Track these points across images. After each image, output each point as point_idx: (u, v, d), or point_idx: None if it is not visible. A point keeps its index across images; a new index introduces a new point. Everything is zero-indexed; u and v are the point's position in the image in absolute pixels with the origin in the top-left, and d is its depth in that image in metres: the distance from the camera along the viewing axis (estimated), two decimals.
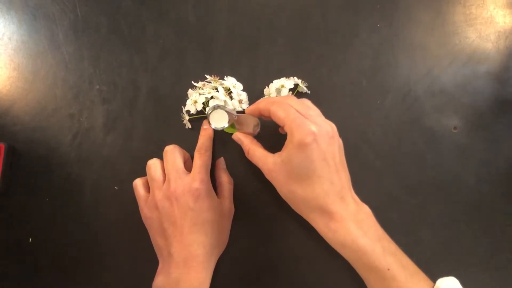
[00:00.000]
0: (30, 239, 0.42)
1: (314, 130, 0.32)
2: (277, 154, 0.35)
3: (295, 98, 0.36)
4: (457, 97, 0.43)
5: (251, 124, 0.39)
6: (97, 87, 0.44)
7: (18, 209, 0.43)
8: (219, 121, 0.38)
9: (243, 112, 0.41)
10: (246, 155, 0.38)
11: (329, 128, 0.34)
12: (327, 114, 0.43)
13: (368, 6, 0.44)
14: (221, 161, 0.43)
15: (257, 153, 0.37)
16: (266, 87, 0.43)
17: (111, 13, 0.45)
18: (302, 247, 0.41)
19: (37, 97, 0.44)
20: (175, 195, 0.37)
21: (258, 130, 0.40)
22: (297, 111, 0.34)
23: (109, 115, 0.44)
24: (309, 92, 0.43)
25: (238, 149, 0.42)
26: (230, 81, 0.42)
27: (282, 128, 0.39)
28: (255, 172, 0.42)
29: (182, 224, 0.37)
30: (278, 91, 0.42)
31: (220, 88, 0.41)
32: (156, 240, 0.39)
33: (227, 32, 0.44)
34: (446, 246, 0.41)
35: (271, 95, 0.42)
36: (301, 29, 0.44)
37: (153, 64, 0.44)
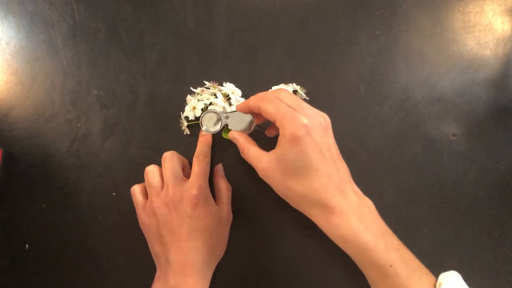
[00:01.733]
0: (27, 245, 0.42)
1: (305, 123, 0.31)
2: (271, 152, 0.34)
3: (286, 91, 0.35)
4: (456, 104, 0.43)
5: (245, 122, 0.38)
6: (95, 92, 0.44)
7: (15, 215, 0.43)
8: (211, 124, 0.38)
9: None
10: (241, 153, 0.38)
11: (322, 119, 0.33)
12: None
13: (367, 13, 0.44)
14: (220, 168, 0.42)
15: (251, 151, 0.36)
16: None
17: (110, 18, 0.45)
18: (300, 254, 0.41)
19: (35, 102, 0.44)
20: (173, 202, 0.37)
21: (253, 126, 0.39)
22: (288, 105, 0.33)
23: (107, 121, 0.43)
24: (308, 98, 0.43)
25: (236, 155, 0.42)
26: (229, 87, 0.42)
27: (269, 130, 0.39)
28: (254, 178, 0.42)
29: (180, 231, 0.37)
30: None
31: (219, 94, 0.41)
32: (154, 247, 0.39)
33: (226, 38, 0.44)
34: (444, 253, 0.41)
35: None
36: (300, 36, 0.44)
37: (152, 70, 0.44)
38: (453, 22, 0.44)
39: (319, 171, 0.32)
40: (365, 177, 0.42)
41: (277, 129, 0.35)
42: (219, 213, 0.40)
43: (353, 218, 0.32)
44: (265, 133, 0.40)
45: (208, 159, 0.41)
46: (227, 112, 0.38)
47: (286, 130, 0.32)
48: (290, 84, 0.42)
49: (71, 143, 0.43)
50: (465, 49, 0.43)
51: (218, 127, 0.38)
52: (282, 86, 0.42)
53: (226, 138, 0.42)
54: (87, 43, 0.44)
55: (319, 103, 0.43)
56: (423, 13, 0.44)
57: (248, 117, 0.38)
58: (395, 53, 0.43)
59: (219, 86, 0.42)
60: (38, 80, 0.44)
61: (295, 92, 0.42)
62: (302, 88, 0.42)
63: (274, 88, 0.42)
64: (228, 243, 0.41)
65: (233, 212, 0.41)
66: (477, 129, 0.42)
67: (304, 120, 0.31)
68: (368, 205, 0.34)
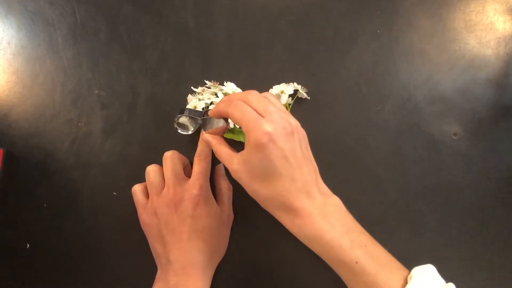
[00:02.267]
0: (28, 245, 0.42)
1: (268, 130, 0.31)
2: (239, 154, 0.34)
3: (256, 93, 0.35)
4: (457, 103, 0.43)
5: (218, 124, 0.39)
6: (96, 92, 0.44)
7: (15, 215, 0.42)
8: (186, 126, 0.39)
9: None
10: (215, 155, 0.37)
11: (287, 123, 0.33)
12: (327, 120, 0.43)
13: (368, 12, 0.44)
14: (221, 167, 0.42)
15: (223, 153, 0.36)
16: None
17: (111, 18, 0.45)
18: (301, 253, 0.41)
19: (35, 102, 0.44)
20: (174, 201, 0.37)
21: (226, 126, 0.39)
22: (254, 109, 0.33)
23: (107, 121, 0.43)
24: (309, 98, 0.43)
25: None
26: (230, 87, 0.42)
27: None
28: None
29: (181, 231, 0.37)
30: (278, 96, 0.42)
31: (219, 94, 0.41)
32: (155, 247, 0.38)
33: (226, 37, 0.44)
34: (445, 253, 0.41)
35: None
36: (301, 35, 0.44)
37: (153, 70, 0.44)
38: (455, 21, 0.44)
39: (282, 175, 0.32)
40: (366, 176, 0.42)
41: None
42: (220, 212, 0.39)
43: (317, 218, 0.32)
44: None
45: (209, 159, 0.40)
46: (201, 117, 0.39)
47: (250, 136, 0.32)
48: (291, 83, 0.42)
49: (71, 142, 0.43)
50: (466, 48, 0.43)
51: (192, 130, 0.39)
52: (283, 85, 0.42)
53: (227, 137, 0.42)
54: (88, 43, 0.44)
55: (320, 103, 0.43)
56: (424, 12, 0.44)
57: (221, 121, 0.39)
58: (396, 52, 0.43)
59: (220, 86, 0.42)
60: (39, 79, 0.44)
61: (296, 91, 0.42)
62: (303, 87, 0.42)
63: (275, 87, 0.42)
64: (229, 242, 0.41)
65: (234, 211, 0.41)
66: (479, 128, 0.42)
67: (267, 128, 0.31)
68: (334, 203, 0.34)
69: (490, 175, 0.42)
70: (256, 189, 0.33)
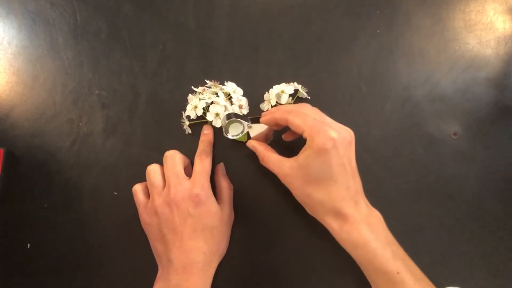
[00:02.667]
0: (29, 245, 0.42)
1: (334, 137, 0.33)
2: (293, 159, 0.36)
3: (309, 105, 0.37)
4: (457, 103, 0.43)
5: (265, 132, 0.40)
6: (97, 92, 0.44)
7: (16, 214, 0.43)
8: (234, 130, 0.40)
9: (257, 119, 0.41)
10: (261, 161, 0.39)
11: (347, 134, 0.35)
12: None
13: (368, 12, 0.44)
14: (221, 167, 0.42)
15: (272, 159, 0.38)
16: (266, 92, 0.43)
17: (111, 18, 0.45)
18: (302, 252, 0.41)
19: (36, 102, 0.44)
20: (175, 201, 0.37)
21: (271, 137, 0.41)
22: (314, 118, 0.35)
23: (108, 121, 0.43)
24: (309, 97, 0.43)
25: (238, 154, 0.42)
26: (230, 86, 0.42)
27: (286, 135, 0.40)
28: (255, 178, 0.42)
29: (181, 230, 0.37)
30: (278, 96, 0.42)
31: (220, 93, 0.41)
32: (156, 246, 0.39)
33: (227, 37, 0.44)
34: (446, 252, 0.41)
35: (271, 101, 0.42)
36: (301, 35, 0.44)
37: (153, 69, 0.44)
38: (454, 21, 0.44)
39: (338, 182, 0.34)
40: (366, 176, 0.41)
41: (294, 134, 0.39)
42: (221, 212, 0.40)
43: (364, 227, 0.34)
44: (282, 137, 0.41)
45: (209, 158, 0.41)
46: (250, 124, 0.40)
47: (314, 141, 0.33)
48: (292, 83, 0.42)
49: (72, 142, 0.43)
50: (466, 48, 0.43)
51: (240, 134, 0.40)
52: (283, 85, 0.42)
53: (240, 140, 0.42)
54: (88, 43, 0.44)
55: (320, 102, 0.43)
56: (424, 12, 0.44)
57: (268, 128, 0.40)
58: (396, 52, 0.44)
59: (221, 85, 0.42)
60: (40, 79, 0.44)
61: (296, 91, 0.42)
62: (303, 87, 0.42)
63: (275, 87, 0.42)
64: (229, 242, 0.41)
65: (234, 211, 0.41)
66: (478, 128, 0.42)
67: (333, 134, 0.33)
68: (377, 216, 0.36)
69: (490, 174, 0.42)
70: (309, 193, 0.35)
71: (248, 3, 0.45)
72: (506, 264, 0.40)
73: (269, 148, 0.39)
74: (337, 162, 0.33)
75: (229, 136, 0.40)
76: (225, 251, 0.41)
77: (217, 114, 0.41)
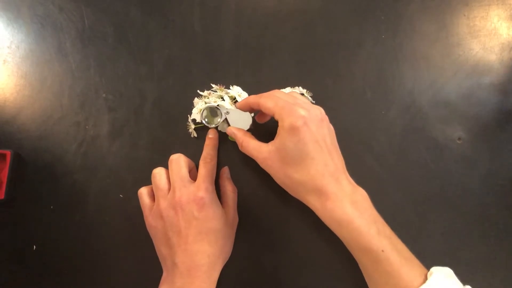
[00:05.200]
0: (35, 247, 0.42)
1: (303, 114, 0.33)
2: (270, 143, 0.36)
3: (282, 91, 0.38)
4: (461, 108, 0.43)
5: (243, 119, 0.40)
6: (103, 95, 0.44)
7: (23, 216, 0.43)
8: (211, 118, 0.41)
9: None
10: (240, 148, 0.39)
11: (318, 111, 0.36)
12: (332, 124, 0.43)
13: (372, 17, 0.45)
14: (226, 170, 0.43)
15: (251, 144, 0.38)
16: None
17: (118, 22, 0.45)
18: (306, 255, 0.41)
19: (43, 105, 0.44)
20: (180, 204, 0.37)
21: (250, 123, 0.41)
22: (285, 100, 0.35)
23: (115, 124, 0.44)
24: (314, 102, 0.43)
25: (242, 158, 0.43)
26: (236, 90, 0.43)
27: (260, 116, 0.41)
28: (259, 181, 0.42)
29: (186, 233, 0.37)
30: None
31: (225, 97, 0.42)
32: (161, 249, 0.39)
33: (232, 41, 0.45)
34: (449, 256, 0.41)
35: None
36: (306, 39, 0.45)
37: (159, 73, 0.44)
38: (458, 27, 0.44)
39: (315, 159, 0.34)
40: (371, 180, 0.42)
41: (266, 115, 0.40)
42: (225, 215, 0.40)
43: (347, 204, 0.34)
44: (255, 119, 0.42)
45: (214, 162, 0.41)
46: (227, 108, 0.40)
47: (285, 121, 0.34)
48: (297, 87, 0.42)
49: (79, 145, 0.44)
50: (470, 54, 0.44)
51: (218, 121, 0.41)
52: (288, 89, 0.42)
53: (232, 140, 0.43)
54: (95, 47, 0.45)
55: (325, 107, 0.43)
56: (428, 17, 0.44)
57: (247, 115, 0.40)
58: (400, 58, 0.44)
59: (226, 89, 0.43)
60: (47, 83, 0.44)
61: (301, 95, 0.42)
62: (308, 91, 0.42)
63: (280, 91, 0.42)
64: (234, 245, 0.41)
65: (238, 214, 0.42)
66: (483, 133, 0.42)
67: (302, 112, 0.34)
68: (361, 194, 0.35)
69: (495, 179, 0.42)
70: (289, 174, 0.35)
71: (254, 8, 0.45)
72: (511, 270, 0.40)
73: (248, 134, 0.39)
74: (311, 139, 0.34)
75: (204, 121, 0.41)
76: (229, 254, 0.41)
77: (201, 110, 0.41)
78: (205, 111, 0.41)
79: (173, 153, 0.40)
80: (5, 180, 0.41)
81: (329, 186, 0.34)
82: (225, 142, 0.43)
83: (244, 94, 0.43)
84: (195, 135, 0.43)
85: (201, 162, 0.40)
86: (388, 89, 0.43)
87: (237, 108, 0.40)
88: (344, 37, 0.45)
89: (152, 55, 0.45)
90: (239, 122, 0.40)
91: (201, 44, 0.45)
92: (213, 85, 0.43)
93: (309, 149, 0.34)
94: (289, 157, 0.34)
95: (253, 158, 0.38)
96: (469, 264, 0.41)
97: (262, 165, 0.37)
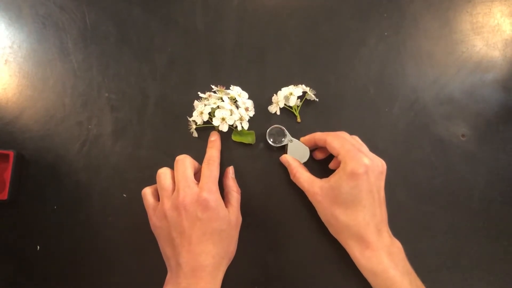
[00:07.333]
0: (38, 247, 0.42)
1: (367, 163, 0.35)
2: (324, 180, 0.38)
3: (347, 133, 0.40)
4: (465, 104, 0.43)
5: (302, 151, 0.42)
6: (106, 95, 0.44)
7: (26, 216, 0.43)
8: (276, 138, 0.42)
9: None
10: (292, 177, 0.41)
11: (380, 163, 0.37)
12: (335, 122, 0.43)
13: (375, 15, 0.44)
14: (230, 170, 0.43)
15: (304, 176, 0.40)
16: (275, 94, 0.43)
17: (120, 21, 0.45)
18: (309, 255, 0.41)
19: (46, 105, 0.44)
20: (183, 204, 0.37)
21: (307, 158, 0.42)
22: (352, 144, 0.37)
23: (117, 123, 0.44)
24: (317, 100, 0.43)
25: (245, 159, 0.43)
26: (236, 90, 0.42)
27: (317, 153, 0.42)
28: (263, 181, 0.42)
29: (190, 234, 0.37)
30: (287, 98, 0.42)
31: (225, 98, 0.41)
32: (165, 249, 0.38)
33: (235, 40, 0.45)
34: (454, 253, 0.41)
35: (280, 103, 0.42)
36: (309, 38, 0.45)
37: (162, 72, 0.44)
38: (461, 24, 0.44)
39: (366, 207, 0.36)
40: None
41: (324, 153, 0.42)
42: (229, 215, 0.39)
43: (384, 255, 0.36)
44: (312, 154, 0.43)
45: (217, 163, 0.41)
46: (291, 138, 0.42)
47: (347, 164, 0.36)
48: (300, 85, 0.42)
49: (82, 145, 0.43)
50: (473, 50, 0.43)
51: (282, 143, 0.42)
52: (291, 87, 0.42)
53: (236, 140, 0.43)
54: (97, 46, 0.45)
55: (328, 104, 0.43)
56: (431, 15, 0.44)
57: (306, 149, 0.42)
58: (403, 55, 0.44)
59: (226, 90, 0.42)
60: (49, 83, 0.44)
61: (304, 93, 0.42)
62: (311, 89, 0.42)
63: (284, 89, 0.42)
64: (238, 245, 0.41)
65: (242, 214, 0.41)
66: (487, 129, 0.42)
67: (366, 161, 0.35)
68: (398, 246, 0.37)
69: (499, 176, 0.42)
70: (336, 214, 0.37)
71: (256, 7, 0.45)
72: None
73: (302, 166, 0.41)
74: (366, 188, 0.35)
75: (270, 141, 0.42)
76: (233, 254, 0.41)
77: (223, 119, 0.41)
78: (271, 131, 0.42)
79: (177, 152, 0.40)
80: (8, 180, 0.41)
81: (372, 236, 0.36)
82: (228, 142, 0.43)
83: (244, 94, 0.43)
84: (196, 135, 0.43)
85: (204, 164, 0.40)
86: (392, 86, 0.43)
87: (301, 141, 0.42)
88: (347, 35, 0.44)
89: (154, 55, 0.45)
90: (296, 153, 0.42)
91: (203, 43, 0.45)
92: (213, 86, 0.42)
93: (363, 196, 0.35)
94: (341, 198, 0.36)
95: (303, 190, 0.40)
96: (472, 260, 0.40)
97: (311, 199, 0.39)
